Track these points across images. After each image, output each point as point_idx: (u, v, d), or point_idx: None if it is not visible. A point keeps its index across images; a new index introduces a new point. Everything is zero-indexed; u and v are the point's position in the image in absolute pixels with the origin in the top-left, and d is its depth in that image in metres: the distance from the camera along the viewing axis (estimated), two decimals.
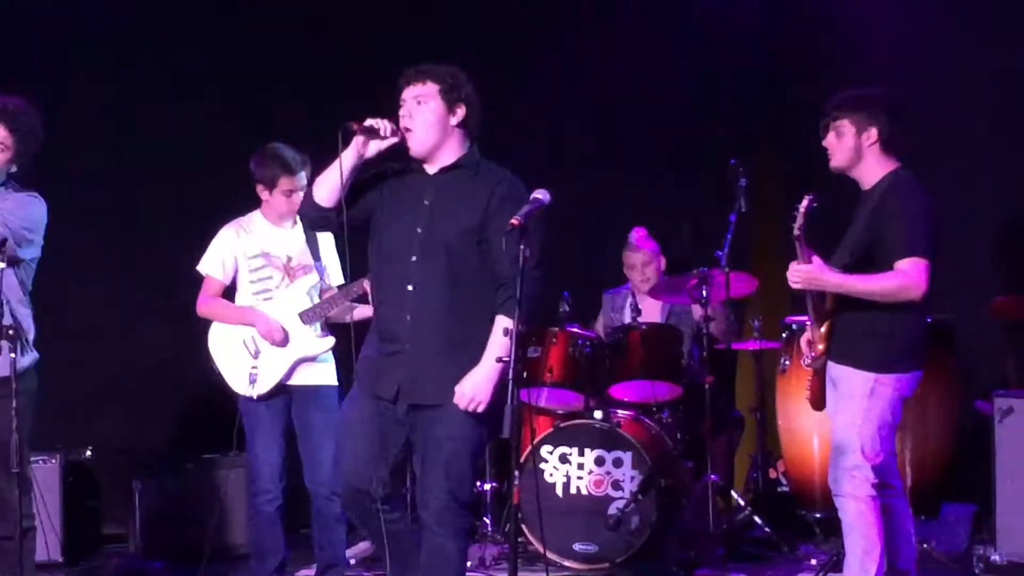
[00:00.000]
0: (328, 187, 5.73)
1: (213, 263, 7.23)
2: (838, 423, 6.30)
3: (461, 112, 5.78)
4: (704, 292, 8.02)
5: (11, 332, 5.96)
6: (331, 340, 7.20)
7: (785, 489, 8.96)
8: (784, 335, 8.42)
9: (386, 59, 9.39)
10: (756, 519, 8.38)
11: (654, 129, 9.97)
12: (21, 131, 6.36)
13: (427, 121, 5.73)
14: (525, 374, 8.02)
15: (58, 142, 8.89)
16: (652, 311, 8.93)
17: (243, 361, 7.13)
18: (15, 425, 5.95)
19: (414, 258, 5.70)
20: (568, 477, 8.03)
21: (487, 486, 8.49)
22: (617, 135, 9.98)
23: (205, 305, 7.25)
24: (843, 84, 6.56)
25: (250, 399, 7.08)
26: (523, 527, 7.78)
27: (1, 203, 6.29)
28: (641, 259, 8.92)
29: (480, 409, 5.60)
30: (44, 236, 6.51)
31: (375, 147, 5.71)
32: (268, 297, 7.17)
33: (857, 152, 6.30)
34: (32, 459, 7.30)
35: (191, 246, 7.34)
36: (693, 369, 8.52)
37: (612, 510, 7.90)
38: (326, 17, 9.62)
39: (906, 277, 6.06)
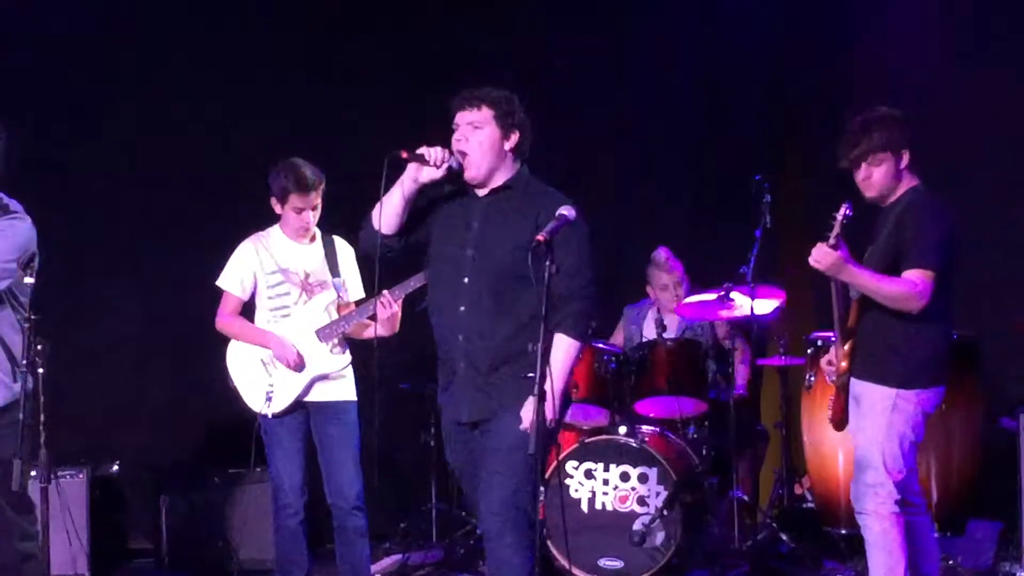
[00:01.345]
0: (387, 216, 5.76)
1: (232, 279, 7.24)
2: (860, 439, 6.29)
3: (515, 137, 5.80)
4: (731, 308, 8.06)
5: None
6: (348, 356, 7.20)
7: (810, 505, 8.94)
8: (809, 351, 8.40)
9: (418, 69, 9.57)
10: (781, 535, 8.36)
11: (676, 144, 9.99)
12: None
13: (483, 146, 5.74)
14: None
15: (81, 156, 9.05)
16: (671, 326, 8.95)
17: (260, 379, 7.14)
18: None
19: (466, 279, 5.73)
20: (593, 493, 8.03)
21: None
22: (639, 151, 10.01)
23: (223, 322, 7.26)
24: (865, 98, 6.54)
25: (267, 416, 7.09)
26: (548, 542, 7.79)
27: None
28: (673, 280, 8.96)
29: (549, 427, 5.51)
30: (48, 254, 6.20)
31: (429, 174, 5.69)
32: (286, 313, 7.18)
33: (896, 178, 6.29)
34: (60, 474, 7.34)
35: (214, 260, 7.36)
36: (718, 384, 8.53)
37: (637, 526, 7.90)
38: (359, 23, 9.64)
39: (911, 287, 6.04)
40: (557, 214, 5.48)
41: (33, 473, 6.00)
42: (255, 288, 7.22)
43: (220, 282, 7.26)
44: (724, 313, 8.28)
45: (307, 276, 7.19)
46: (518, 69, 9.16)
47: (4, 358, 6.02)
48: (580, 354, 5.72)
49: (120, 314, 9.36)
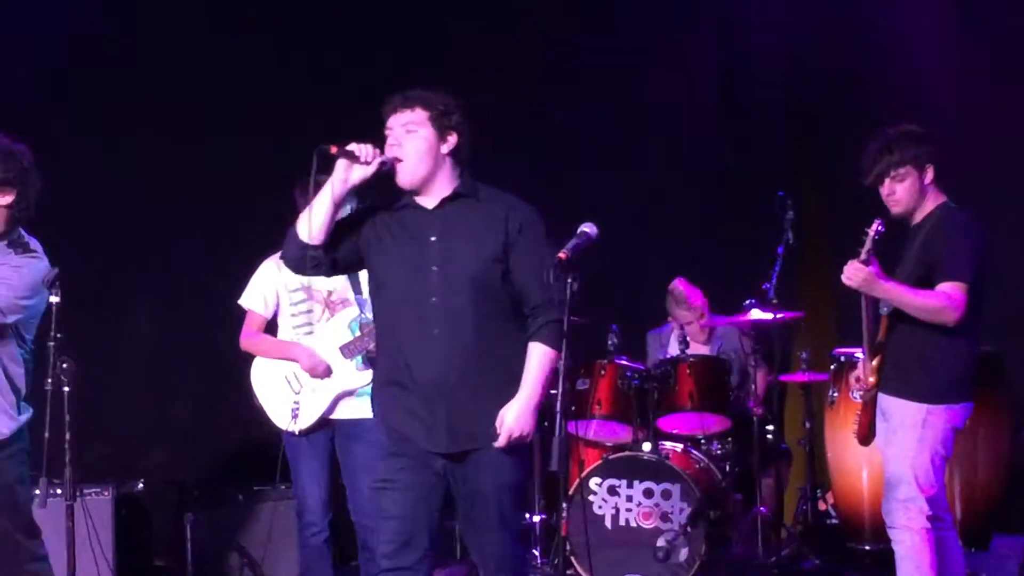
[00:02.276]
0: (316, 223, 5.43)
1: (255, 297, 7.26)
2: (890, 455, 6.28)
3: (453, 140, 5.49)
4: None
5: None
6: (371, 373, 7.21)
7: (834, 521, 8.94)
8: (832, 367, 8.41)
9: (434, 81, 9.57)
10: (805, 551, 8.35)
11: (695, 162, 10.02)
12: (17, 176, 6.06)
13: (418, 150, 5.43)
14: (574, 407, 8.15)
15: (104, 177, 9.08)
16: (700, 347, 8.98)
17: (285, 396, 7.15)
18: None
19: (434, 299, 5.41)
20: (617, 509, 8.03)
21: (536, 518, 8.50)
22: (657, 168, 10.04)
23: (248, 340, 7.28)
24: (887, 114, 6.55)
25: (292, 434, 7.11)
26: (572, 559, 7.80)
27: None
28: (696, 314, 9.00)
29: (526, 440, 5.41)
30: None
31: (359, 173, 5.39)
32: (309, 331, 7.19)
33: (921, 194, 6.28)
34: (85, 491, 7.36)
35: (237, 278, 7.38)
36: (742, 401, 8.54)
37: (661, 542, 7.89)
38: (376, 50, 9.68)
39: (946, 299, 6.05)
40: (579, 231, 5.43)
41: (59, 491, 6.04)
42: (278, 306, 7.24)
43: (243, 301, 7.27)
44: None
45: (330, 293, 7.20)
46: (530, 83, 9.22)
47: (8, 389, 6.05)
48: (604, 371, 5.62)
49: (144, 332, 9.39)
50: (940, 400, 6.17)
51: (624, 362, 8.48)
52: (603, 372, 8.36)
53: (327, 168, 5.42)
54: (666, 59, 10.14)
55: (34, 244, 6.16)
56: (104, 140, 9.16)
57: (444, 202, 5.52)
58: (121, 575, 8.07)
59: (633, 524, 7.99)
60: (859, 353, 7.36)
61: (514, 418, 5.39)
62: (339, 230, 5.52)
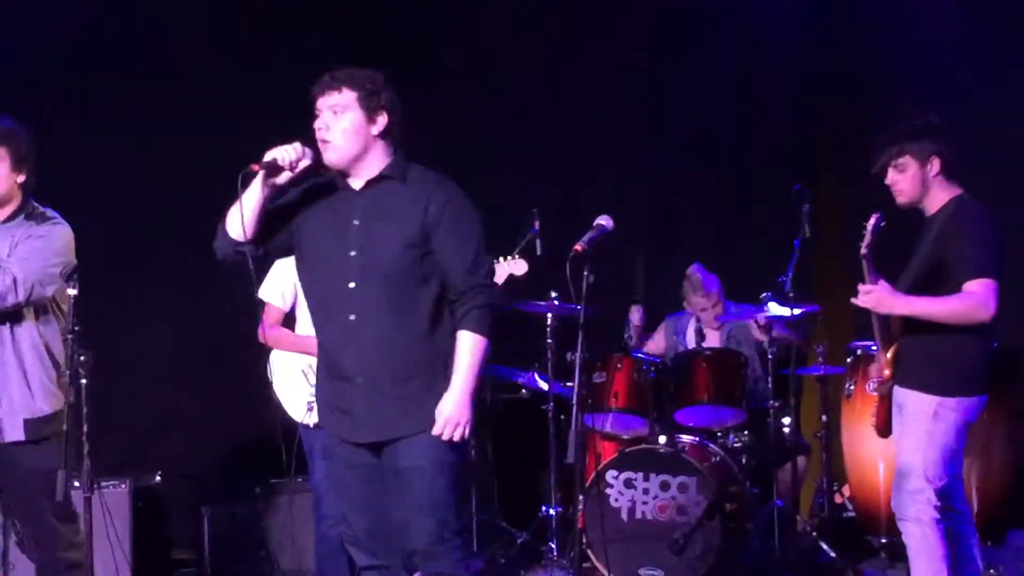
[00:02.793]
0: (239, 223, 5.36)
1: (272, 291, 7.27)
2: (902, 446, 6.29)
3: (383, 120, 5.35)
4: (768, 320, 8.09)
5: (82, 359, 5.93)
6: None
7: (851, 514, 8.92)
8: (849, 360, 8.40)
9: (445, 81, 9.60)
10: (822, 544, 8.35)
11: (712, 153, 10.02)
12: (15, 143, 6.11)
13: (346, 132, 5.31)
14: (590, 400, 8.15)
15: (115, 165, 9.09)
16: (712, 336, 8.97)
17: (302, 389, 7.17)
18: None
19: (352, 284, 5.30)
20: (633, 502, 8.03)
21: (552, 511, 8.50)
22: (677, 162, 10.03)
23: (267, 334, 7.27)
24: (903, 106, 6.55)
25: (308, 427, 7.11)
26: (588, 552, 7.79)
27: (21, 243, 6.07)
28: (710, 301, 8.98)
29: (466, 433, 5.26)
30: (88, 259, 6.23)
31: (285, 177, 5.31)
32: None
33: (924, 184, 6.28)
34: (102, 484, 7.38)
35: (256, 272, 7.37)
36: (758, 394, 8.53)
37: (677, 535, 7.89)
38: (381, 50, 9.68)
39: (975, 298, 6.05)
40: (595, 223, 5.42)
41: (76, 484, 6.06)
42: (295, 299, 7.25)
43: (261, 294, 7.28)
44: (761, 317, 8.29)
45: None
46: (557, 77, 9.22)
47: (50, 365, 6.09)
48: (488, 352, 5.24)
49: (162, 325, 9.40)
50: (952, 393, 6.17)
51: (641, 355, 8.49)
52: (619, 365, 8.37)
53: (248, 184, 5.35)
54: (687, 54, 10.14)
55: (51, 212, 6.22)
56: (120, 135, 9.18)
57: (370, 183, 5.40)
58: (138, 568, 8.09)
59: (649, 517, 7.99)
60: (875, 346, 7.38)
61: (451, 409, 5.24)
62: (271, 218, 5.42)
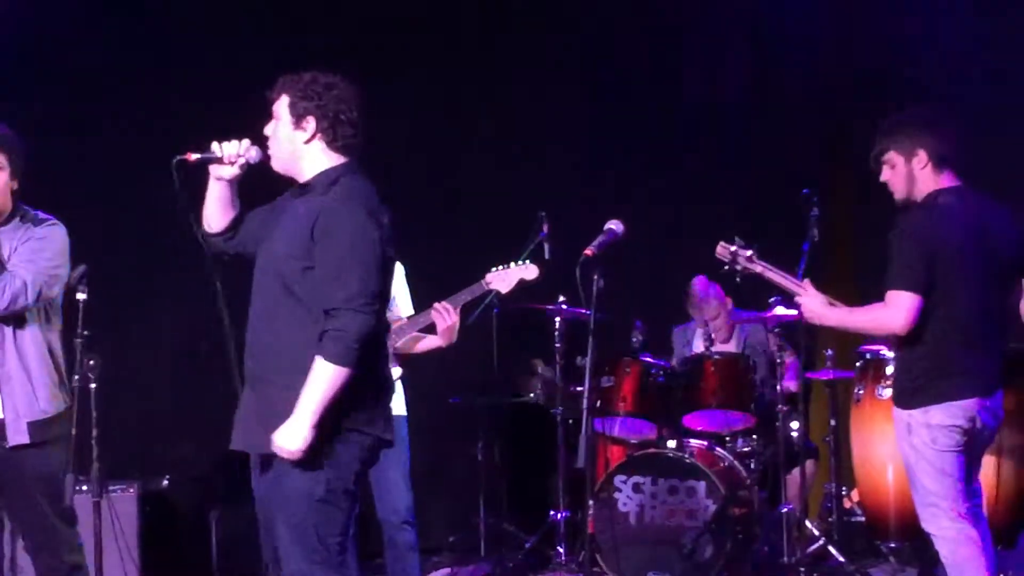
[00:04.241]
0: (208, 215, 5.40)
1: None
2: (906, 465, 6.23)
3: (310, 125, 5.15)
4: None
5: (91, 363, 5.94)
6: (398, 370, 7.22)
7: (860, 519, 8.91)
8: (858, 364, 8.38)
9: (453, 75, 9.60)
10: (830, 549, 8.34)
11: (723, 158, 10.03)
12: (15, 151, 6.06)
13: (277, 137, 5.20)
14: (599, 404, 8.14)
15: (127, 166, 9.10)
16: (727, 343, 8.97)
17: None
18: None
19: (255, 289, 5.23)
20: (642, 506, 8.03)
21: (561, 515, 8.50)
22: (686, 167, 10.03)
23: None
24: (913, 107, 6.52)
25: None
26: (597, 556, 7.79)
27: (20, 246, 6.04)
28: (712, 313, 9.00)
29: (294, 458, 4.98)
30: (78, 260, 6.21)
31: (229, 171, 5.25)
32: None
33: (911, 179, 6.10)
34: (110, 488, 7.38)
35: None
36: (766, 399, 8.52)
37: (686, 539, 7.88)
38: (393, 57, 9.70)
39: (884, 310, 5.93)
40: (605, 228, 5.39)
41: (84, 488, 6.06)
42: None
43: None
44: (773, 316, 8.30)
45: None
46: (564, 79, 9.22)
47: (52, 367, 6.09)
48: (629, 368, 5.27)
49: (168, 328, 9.41)
50: (912, 404, 6.04)
51: (649, 359, 8.48)
52: (628, 369, 8.37)
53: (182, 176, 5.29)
54: (698, 57, 10.15)
55: (42, 215, 6.19)
56: (123, 135, 9.19)
57: (299, 192, 5.25)
58: (146, 572, 8.09)
59: (658, 521, 7.98)
60: (885, 351, 7.37)
61: (282, 435, 4.99)
62: (241, 216, 5.40)
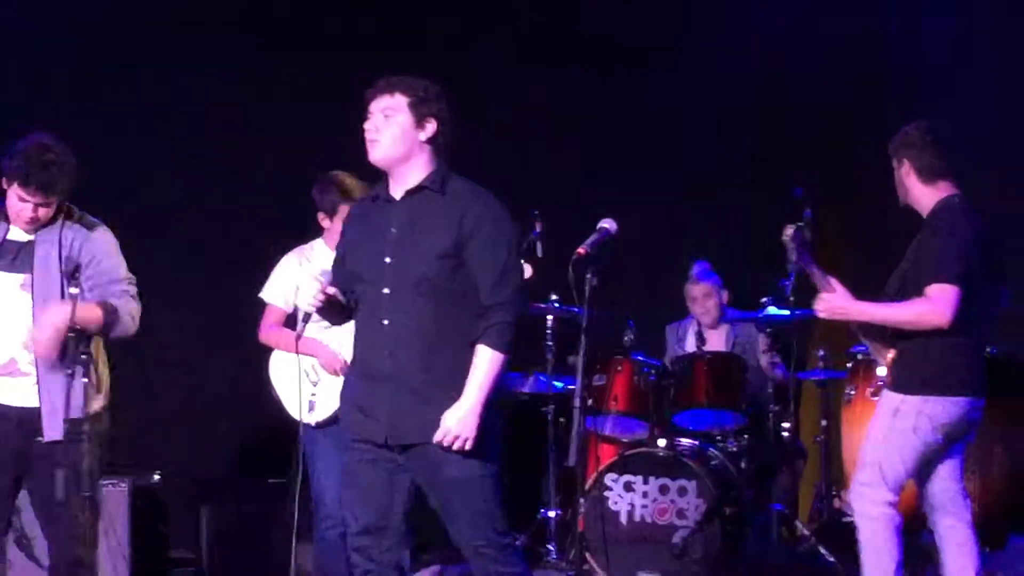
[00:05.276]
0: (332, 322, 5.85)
1: (275, 291, 7.27)
2: (868, 441, 6.34)
3: (431, 127, 5.49)
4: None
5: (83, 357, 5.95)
6: None
7: (850, 519, 8.89)
8: (849, 365, 8.40)
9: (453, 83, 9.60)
10: (820, 549, 8.34)
11: (715, 158, 10.03)
12: (60, 182, 6.06)
13: (393, 134, 5.46)
14: (590, 403, 8.15)
15: (123, 167, 9.10)
16: (717, 341, 8.97)
17: (303, 388, 7.16)
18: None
19: (386, 290, 5.44)
20: (632, 505, 8.03)
21: (551, 513, 8.50)
22: (683, 168, 10.04)
23: (267, 333, 7.29)
24: (905, 110, 6.59)
25: (310, 426, 7.11)
26: (587, 555, 7.79)
27: (91, 260, 6.17)
28: (702, 291, 8.99)
29: (468, 446, 5.36)
30: None
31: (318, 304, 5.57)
32: (328, 325, 7.21)
33: (903, 186, 6.39)
34: (101, 483, 7.39)
35: (256, 273, 7.40)
36: (758, 398, 8.53)
37: (676, 538, 7.90)
38: (394, 49, 9.70)
39: (928, 303, 6.09)
40: (599, 226, 5.42)
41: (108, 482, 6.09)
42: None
43: (263, 295, 7.29)
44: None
45: None
46: (562, 79, 9.22)
47: (91, 367, 6.12)
48: (504, 368, 5.39)
49: (161, 325, 9.38)
50: (914, 391, 6.21)
51: (641, 358, 8.48)
52: (620, 368, 8.37)
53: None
54: (698, 61, 10.14)
55: (79, 211, 6.28)
56: (127, 136, 9.20)
57: (410, 193, 5.52)
58: (137, 567, 8.10)
59: (648, 520, 7.99)
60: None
61: (454, 421, 5.36)
62: (341, 287, 5.65)
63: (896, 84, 9.50)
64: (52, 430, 6.06)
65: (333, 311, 5.63)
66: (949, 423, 6.21)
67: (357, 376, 5.61)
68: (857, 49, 9.78)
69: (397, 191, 5.55)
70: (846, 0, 9.93)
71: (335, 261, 5.73)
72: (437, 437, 5.34)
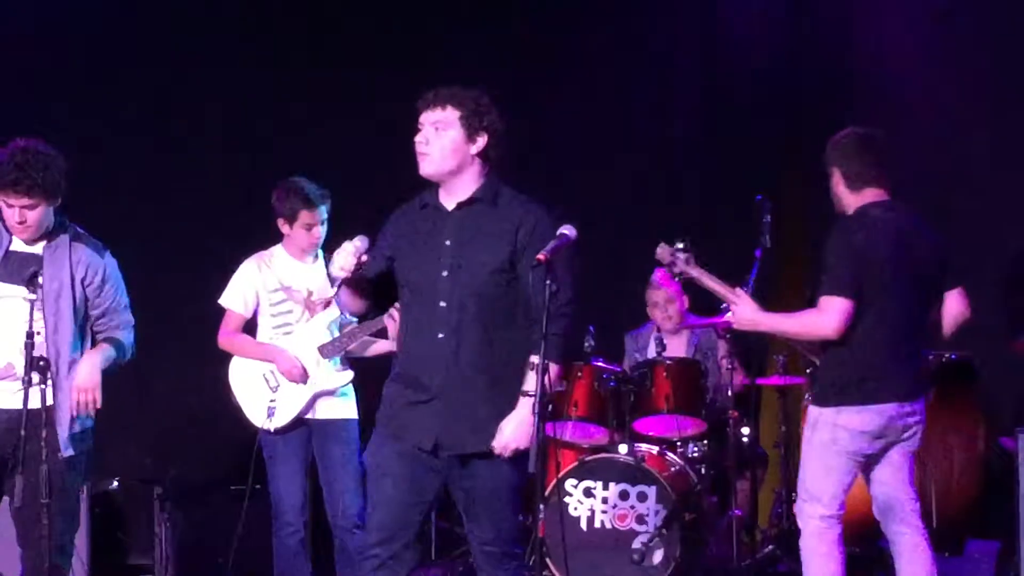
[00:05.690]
0: (348, 305, 5.72)
1: (234, 297, 7.27)
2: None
3: (482, 141, 5.50)
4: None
5: (42, 364, 5.94)
6: (350, 374, 7.23)
7: None
8: (809, 371, 8.41)
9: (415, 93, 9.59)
10: (780, 554, 8.37)
11: (678, 161, 10.06)
12: (42, 181, 6.04)
13: (444, 148, 5.46)
14: (550, 407, 8.14)
15: (87, 172, 9.06)
16: (678, 347, 8.98)
17: (262, 394, 7.16)
18: (45, 456, 5.95)
19: (443, 303, 5.44)
20: (592, 511, 8.03)
21: None
22: (638, 172, 10.04)
23: (226, 339, 7.29)
24: (865, 111, 6.60)
25: (268, 432, 7.10)
26: (547, 560, 7.78)
27: (100, 287, 6.30)
28: (664, 297, 8.99)
29: (521, 452, 5.39)
30: None
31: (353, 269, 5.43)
32: (288, 331, 7.20)
33: (835, 195, 6.40)
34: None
35: (216, 278, 7.38)
36: (717, 404, 8.55)
37: (636, 544, 7.90)
38: (365, 51, 9.70)
39: (817, 314, 6.11)
40: (558, 232, 5.41)
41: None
42: (257, 306, 7.24)
43: (222, 300, 7.28)
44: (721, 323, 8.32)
45: (310, 294, 7.21)
46: (513, 80, 9.22)
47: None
48: (580, 372, 5.57)
49: None
50: (826, 402, 6.22)
51: (600, 364, 8.48)
52: (580, 374, 8.37)
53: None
54: (649, 58, 10.16)
55: (81, 229, 6.33)
56: (131, 135, 9.22)
57: (462, 205, 5.54)
58: (95, 573, 8.06)
59: (608, 526, 8.00)
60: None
61: (512, 430, 5.40)
62: (374, 271, 5.57)
63: (851, 88, 9.52)
64: (66, 448, 6.21)
65: (359, 286, 5.57)
66: (873, 431, 6.18)
67: (405, 384, 5.57)
68: (815, 44, 9.82)
69: (448, 202, 5.56)
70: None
71: (374, 254, 5.54)
72: (496, 446, 5.39)
